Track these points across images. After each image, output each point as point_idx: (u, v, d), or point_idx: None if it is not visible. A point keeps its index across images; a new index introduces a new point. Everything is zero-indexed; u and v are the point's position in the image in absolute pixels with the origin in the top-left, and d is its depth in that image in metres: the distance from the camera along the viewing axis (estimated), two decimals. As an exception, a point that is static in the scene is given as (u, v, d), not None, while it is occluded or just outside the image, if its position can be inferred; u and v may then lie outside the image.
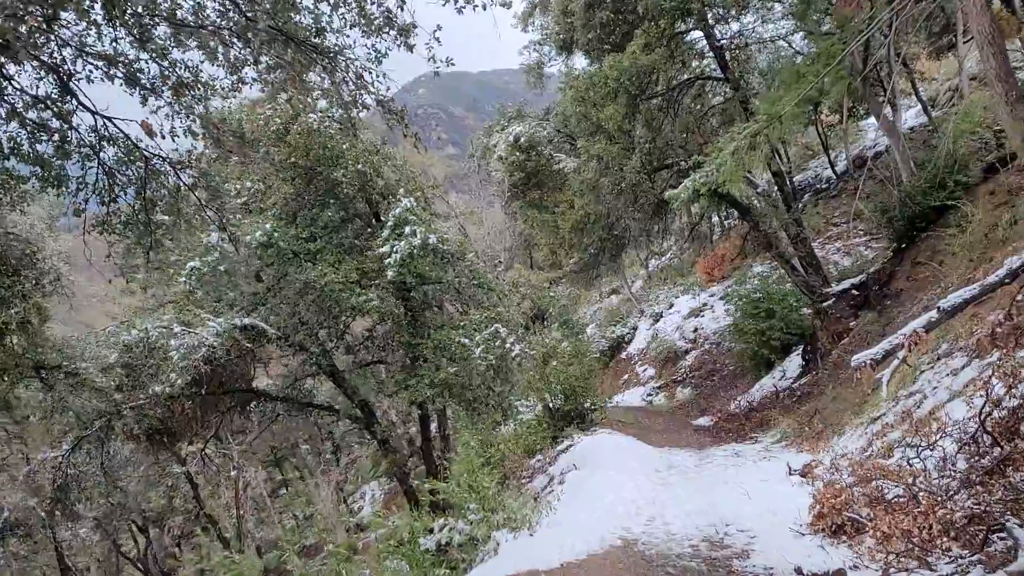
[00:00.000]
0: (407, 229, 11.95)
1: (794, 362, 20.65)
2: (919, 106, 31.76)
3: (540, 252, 21.68)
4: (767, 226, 19.01)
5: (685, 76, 20.61)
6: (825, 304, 18.53)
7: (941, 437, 7.25)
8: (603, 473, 11.34)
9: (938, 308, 9.35)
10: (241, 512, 23.66)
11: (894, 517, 5.68)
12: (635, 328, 36.09)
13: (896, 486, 6.55)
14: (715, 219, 37.03)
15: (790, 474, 10.21)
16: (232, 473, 23.28)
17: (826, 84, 14.28)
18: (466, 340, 11.70)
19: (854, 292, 18.06)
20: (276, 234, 11.71)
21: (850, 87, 25.69)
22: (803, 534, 6.68)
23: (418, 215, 12.27)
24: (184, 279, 12.08)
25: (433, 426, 21.86)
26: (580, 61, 22.33)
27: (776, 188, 19.70)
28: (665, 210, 19.99)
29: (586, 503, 9.14)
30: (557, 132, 22.04)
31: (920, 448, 7.27)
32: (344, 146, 12.92)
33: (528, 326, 20.87)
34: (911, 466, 7.33)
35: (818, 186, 34.55)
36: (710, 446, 15.53)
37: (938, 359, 10.59)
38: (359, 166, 12.60)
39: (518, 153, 20.99)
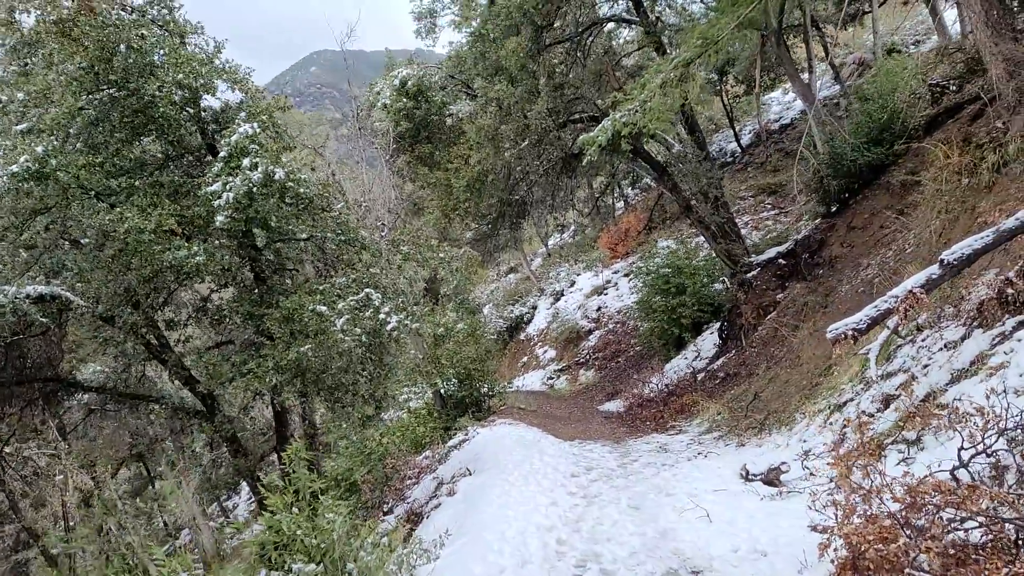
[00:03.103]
0: (246, 161, 8.87)
1: (708, 341, 18.81)
2: (823, 79, 30.92)
3: (431, 215, 18.79)
4: (687, 188, 16.87)
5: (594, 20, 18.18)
6: (749, 275, 16.59)
7: (995, 436, 5.00)
8: (505, 482, 8.71)
9: (941, 262, 7.20)
10: (71, 523, 19.67)
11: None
12: (534, 307, 33.97)
13: (957, 512, 4.19)
14: (617, 191, 35.25)
15: (747, 480, 7.90)
16: (58, 478, 19.27)
17: (771, 4, 12.18)
18: (324, 308, 8.75)
19: (780, 261, 16.18)
20: (54, 161, 8.36)
21: (764, 48, 24.07)
22: (832, 601, 4.22)
23: (263, 144, 9.18)
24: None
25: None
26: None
27: (696, 146, 17.56)
28: (573, 168, 17.51)
29: (483, 539, 6.45)
30: (450, 78, 19.15)
31: (969, 451, 4.99)
32: (161, 51, 9.64)
33: (418, 301, 18.10)
34: (956, 479, 5.05)
35: (723, 159, 33.25)
36: (628, 437, 13.22)
37: (918, 329, 8.56)
38: (180, 76, 9.36)
39: (405, 99, 18.00)
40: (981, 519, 4.05)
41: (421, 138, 18.60)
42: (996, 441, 4.99)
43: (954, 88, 15.19)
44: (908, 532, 4.09)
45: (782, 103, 34.26)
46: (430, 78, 18.43)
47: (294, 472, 5.01)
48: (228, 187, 8.78)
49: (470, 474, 9.88)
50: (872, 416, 7.87)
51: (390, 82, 18.60)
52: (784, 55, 18.66)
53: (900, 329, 8.05)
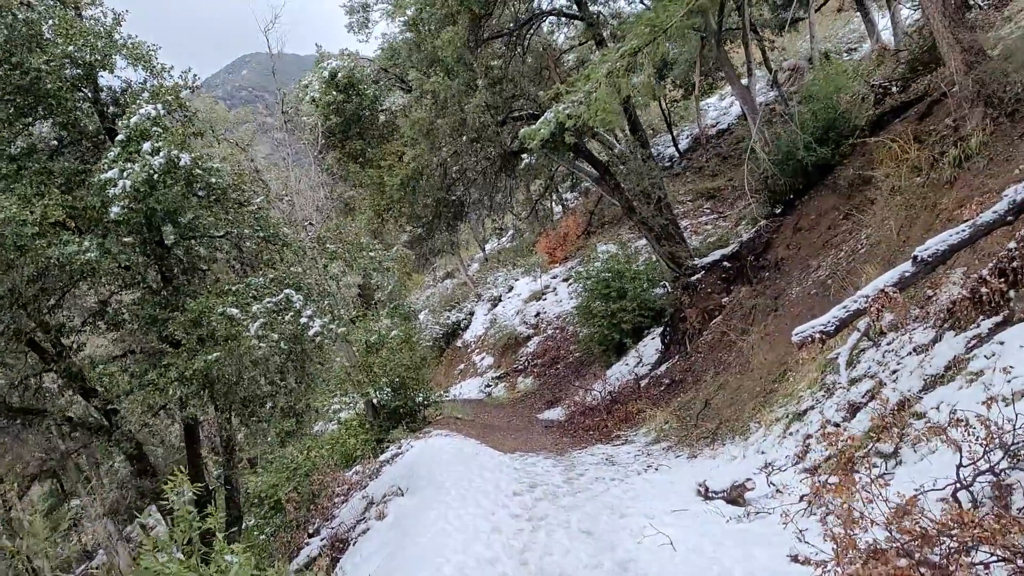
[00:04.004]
0: (146, 145, 7.82)
1: (650, 346, 18.28)
2: (759, 85, 31.06)
3: (363, 216, 17.74)
4: (630, 188, 16.29)
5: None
6: (693, 279, 16.11)
7: (999, 452, 4.40)
8: (442, 503, 7.84)
9: (914, 258, 6.68)
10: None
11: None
12: (472, 313, 33.14)
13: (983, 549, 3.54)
14: (556, 195, 34.73)
15: (707, 497, 7.23)
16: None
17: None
18: (235, 311, 7.75)
19: (725, 264, 15.76)
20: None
21: (703, 52, 23.83)
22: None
23: (167, 127, 8.12)
24: None
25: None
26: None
27: (639, 144, 17.00)
28: (512, 167, 16.76)
29: (417, 578, 5.59)
30: (383, 71, 18.19)
31: (969, 468, 4.39)
32: (51, 21, 8.49)
33: (348, 304, 17.09)
34: (958, 501, 4.43)
35: (662, 164, 33.08)
36: (571, 448, 12.49)
37: (881, 332, 8.06)
38: (72, 49, 8.23)
39: (335, 92, 16.93)
40: (1006, 554, 3.41)
41: (352, 134, 17.57)
42: (1002, 458, 4.41)
43: (897, 89, 15.07)
44: (927, 573, 3.42)
45: (719, 108, 34.33)
46: (362, 71, 17.44)
47: (177, 510, 4.06)
48: (125, 174, 7.68)
49: (402, 494, 8.97)
50: (839, 426, 7.32)
51: (319, 74, 17.53)
52: (723, 58, 18.38)
53: (871, 331, 7.50)
